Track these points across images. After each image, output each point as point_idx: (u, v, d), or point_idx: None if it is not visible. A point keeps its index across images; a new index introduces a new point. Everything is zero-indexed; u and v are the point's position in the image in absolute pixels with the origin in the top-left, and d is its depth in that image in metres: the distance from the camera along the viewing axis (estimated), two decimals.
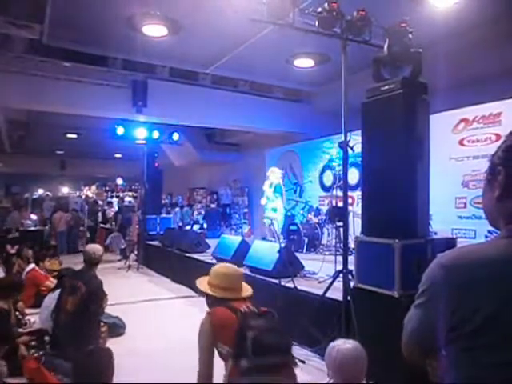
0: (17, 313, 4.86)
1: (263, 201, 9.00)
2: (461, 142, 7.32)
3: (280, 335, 2.01)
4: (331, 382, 2.03)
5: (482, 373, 0.94)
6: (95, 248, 4.44)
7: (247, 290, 2.55)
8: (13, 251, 7.96)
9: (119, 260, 11.42)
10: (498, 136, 6.66)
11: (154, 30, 7.29)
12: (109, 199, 19.22)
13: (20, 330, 4.66)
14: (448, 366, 1.01)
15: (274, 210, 8.78)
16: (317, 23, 4.01)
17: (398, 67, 4.04)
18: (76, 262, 9.58)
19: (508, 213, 1.05)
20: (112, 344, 4.45)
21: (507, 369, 0.92)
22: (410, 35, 3.96)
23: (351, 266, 4.13)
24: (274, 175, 8.94)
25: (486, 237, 6.34)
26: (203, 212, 15.66)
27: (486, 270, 0.97)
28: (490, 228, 1.14)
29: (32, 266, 6.59)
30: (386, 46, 4.00)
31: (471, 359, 0.96)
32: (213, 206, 14.71)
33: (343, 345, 2.07)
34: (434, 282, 1.03)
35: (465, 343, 0.96)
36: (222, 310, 2.37)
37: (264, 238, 8.84)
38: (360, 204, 4.64)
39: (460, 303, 0.97)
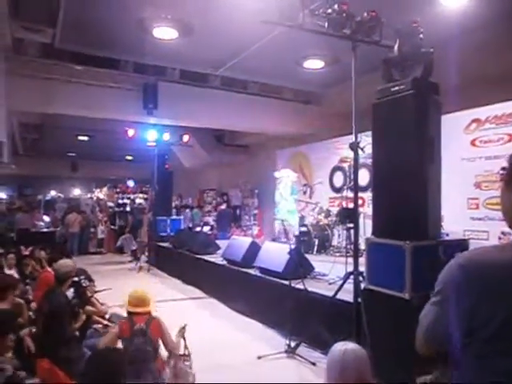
0: (30, 313, 4.92)
1: (284, 206, 8.94)
2: (473, 143, 7.25)
3: (143, 352, 3.19)
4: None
5: (494, 379, 0.92)
6: (61, 265, 4.15)
7: (145, 307, 3.39)
8: (26, 252, 8.05)
9: (130, 261, 11.51)
10: (511, 136, 6.58)
11: (165, 32, 7.34)
12: (119, 201, 19.35)
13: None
14: (460, 370, 0.99)
15: (292, 212, 8.73)
16: (327, 24, 4.00)
17: (408, 67, 4.02)
18: (87, 264, 9.69)
19: None
20: None
21: None
22: (421, 35, 3.93)
23: (362, 268, 4.11)
24: (289, 178, 8.94)
25: (500, 238, 6.26)
26: (213, 213, 15.71)
27: (505, 271, 0.95)
28: (504, 229, 1.14)
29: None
30: (396, 47, 3.98)
31: (484, 366, 0.93)
32: (223, 207, 14.74)
33: (344, 346, 2.07)
34: (452, 282, 1.02)
35: (479, 349, 0.94)
36: (124, 323, 3.34)
37: (274, 240, 8.83)
38: (370, 205, 4.62)
39: (478, 306, 0.95)
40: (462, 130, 7.37)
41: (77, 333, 4.20)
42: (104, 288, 7.43)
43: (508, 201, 1.09)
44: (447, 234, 5.27)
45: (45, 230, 13.68)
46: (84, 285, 4.95)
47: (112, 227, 14.97)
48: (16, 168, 17.97)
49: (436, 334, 1.08)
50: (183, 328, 3.53)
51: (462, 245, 4.11)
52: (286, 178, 8.92)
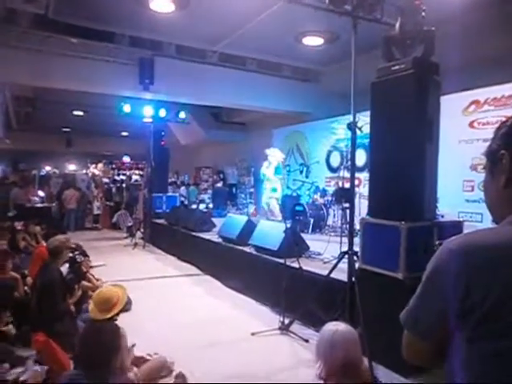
0: (25, 287, 4.94)
1: (267, 184, 8.94)
2: (471, 125, 7.22)
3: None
4: (322, 369, 2.03)
5: (487, 361, 0.92)
6: (53, 239, 4.30)
7: (110, 312, 3.09)
8: (20, 227, 8.04)
9: (125, 237, 11.54)
10: (510, 119, 6.54)
11: (162, 5, 7.18)
12: (115, 177, 19.27)
13: None
14: (451, 357, 0.99)
15: (274, 189, 8.75)
16: (327, 0, 3.91)
17: (409, 46, 3.95)
18: (83, 239, 9.71)
19: None
20: (118, 320, 4.52)
21: None
22: (423, 13, 3.86)
23: (356, 248, 4.14)
24: (275, 157, 8.86)
25: (493, 221, 6.29)
26: (209, 191, 15.70)
27: (495, 254, 0.95)
28: None
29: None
30: (397, 24, 3.90)
31: (476, 349, 0.93)
32: (219, 185, 14.72)
33: (335, 327, 2.08)
34: (441, 268, 1.00)
35: (470, 331, 0.94)
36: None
37: (267, 219, 8.86)
38: (367, 186, 4.62)
39: (469, 289, 0.94)
40: (460, 111, 7.32)
41: (72, 307, 4.24)
42: (99, 263, 7.49)
43: (495, 190, 1.06)
44: (442, 216, 5.29)
45: (40, 205, 13.61)
46: (78, 260, 4.97)
47: (108, 203, 14.94)
48: (10, 143, 17.82)
49: (419, 319, 1.05)
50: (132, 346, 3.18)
51: (456, 226, 4.13)
52: (271, 158, 8.84)
